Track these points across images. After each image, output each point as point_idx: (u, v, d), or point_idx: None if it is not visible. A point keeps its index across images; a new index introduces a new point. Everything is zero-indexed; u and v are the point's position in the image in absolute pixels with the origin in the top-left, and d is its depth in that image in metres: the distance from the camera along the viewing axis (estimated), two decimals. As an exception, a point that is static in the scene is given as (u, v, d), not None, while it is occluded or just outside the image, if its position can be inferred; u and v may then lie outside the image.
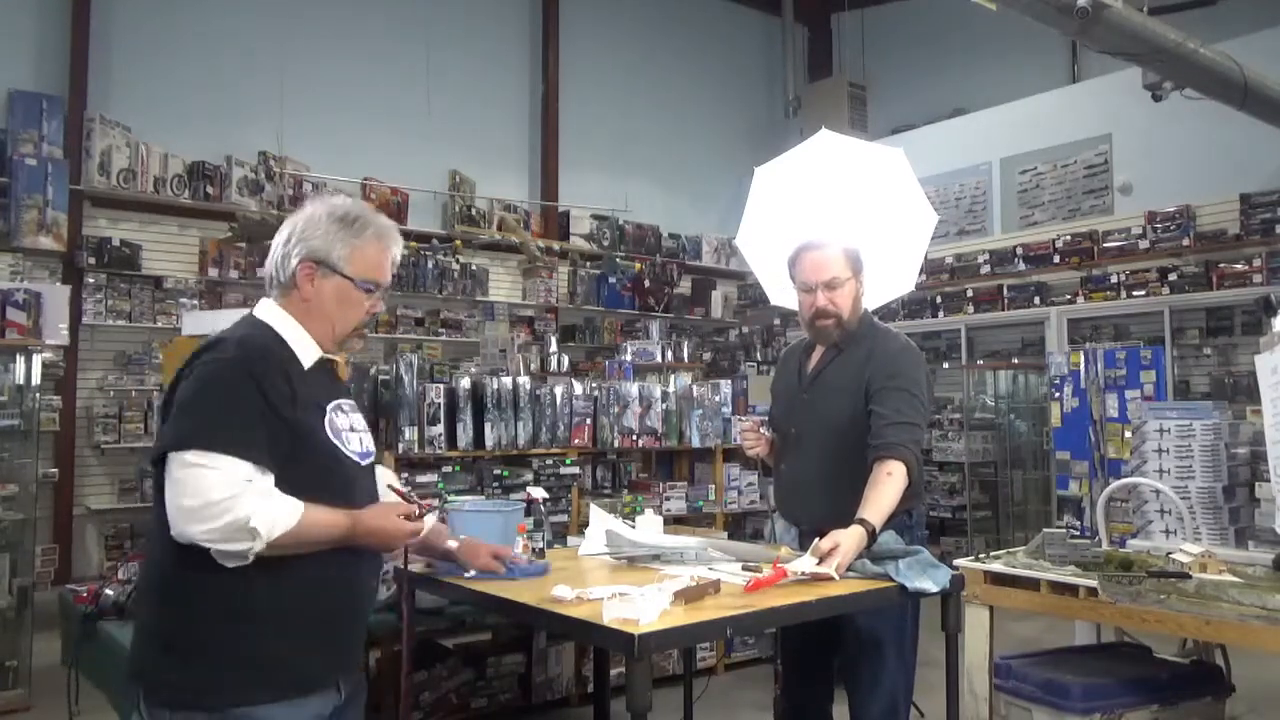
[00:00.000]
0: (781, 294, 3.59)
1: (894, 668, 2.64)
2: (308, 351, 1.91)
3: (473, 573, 2.49)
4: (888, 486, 2.46)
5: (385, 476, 2.16)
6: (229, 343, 1.82)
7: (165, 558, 1.76)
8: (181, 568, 1.74)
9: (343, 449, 1.88)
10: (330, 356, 1.98)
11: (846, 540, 2.32)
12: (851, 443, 2.61)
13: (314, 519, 1.77)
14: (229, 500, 1.66)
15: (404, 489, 2.12)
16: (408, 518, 1.92)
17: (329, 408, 1.89)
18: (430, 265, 8.09)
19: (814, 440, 2.76)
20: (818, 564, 2.30)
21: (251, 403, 1.75)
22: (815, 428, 2.77)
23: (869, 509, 2.41)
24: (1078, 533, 4.46)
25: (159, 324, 6.81)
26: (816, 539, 2.38)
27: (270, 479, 1.76)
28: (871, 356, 2.72)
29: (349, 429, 1.93)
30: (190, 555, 1.71)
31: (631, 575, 2.50)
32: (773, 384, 3.10)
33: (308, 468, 1.81)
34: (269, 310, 1.92)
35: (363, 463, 1.95)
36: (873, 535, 2.38)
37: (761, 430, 2.89)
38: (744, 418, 2.90)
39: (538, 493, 2.91)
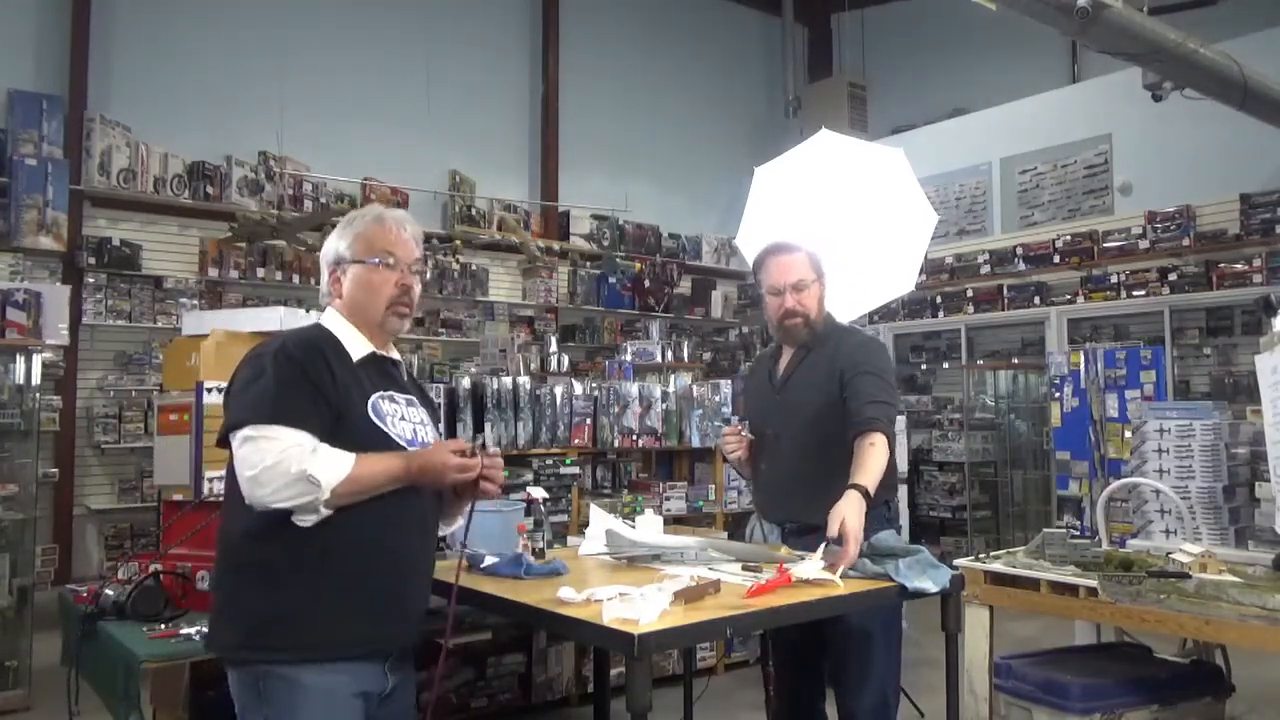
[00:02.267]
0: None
1: (882, 661, 2.67)
2: (357, 347, 2.06)
3: (488, 562, 2.55)
4: (874, 454, 2.53)
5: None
6: (278, 337, 2.05)
7: (226, 526, 1.98)
8: (231, 534, 1.96)
9: (387, 431, 2.00)
10: (384, 354, 2.11)
11: (850, 512, 2.35)
12: (828, 438, 2.68)
13: (368, 462, 1.91)
14: (283, 461, 1.83)
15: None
16: (462, 455, 1.98)
17: (375, 395, 2.02)
18: (430, 265, 8.09)
19: (794, 440, 2.80)
20: (824, 567, 2.30)
21: (297, 380, 1.92)
22: (792, 427, 2.81)
23: (859, 474, 2.46)
24: (1078, 533, 4.46)
25: (159, 324, 6.81)
26: (825, 542, 2.37)
27: (325, 448, 1.91)
28: (839, 351, 2.80)
29: (399, 417, 2.05)
30: (238, 521, 1.92)
31: (631, 575, 2.50)
32: (744, 391, 3.13)
33: (349, 445, 1.92)
34: (325, 315, 2.13)
35: (411, 449, 2.03)
36: (867, 496, 2.42)
37: (742, 433, 2.90)
38: (727, 423, 2.92)
39: (538, 493, 2.91)
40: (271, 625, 1.88)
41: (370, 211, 2.15)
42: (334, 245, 2.12)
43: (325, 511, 1.86)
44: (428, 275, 7.50)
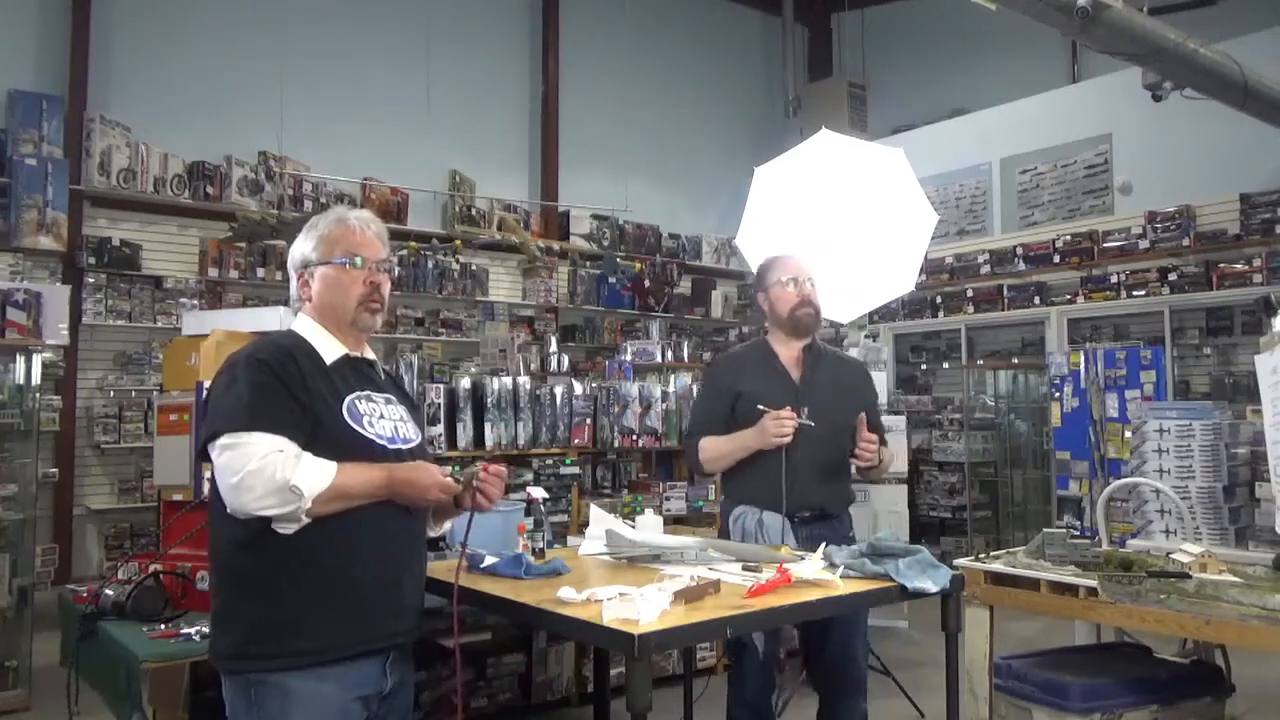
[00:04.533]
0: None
1: (864, 623, 3.10)
2: (330, 350, 2.07)
3: (488, 562, 2.56)
4: (889, 456, 3.13)
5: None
6: (249, 345, 2.05)
7: (214, 538, 1.98)
8: (219, 545, 1.95)
9: (363, 432, 1.99)
10: (358, 355, 2.12)
11: (885, 450, 2.99)
12: (839, 441, 2.96)
13: (351, 472, 1.91)
14: (266, 467, 1.83)
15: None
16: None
17: (350, 397, 2.02)
18: (430, 265, 8.09)
19: (826, 435, 2.91)
20: (825, 567, 2.32)
21: (270, 386, 1.92)
22: (824, 424, 2.90)
23: (882, 452, 3.04)
24: (1078, 533, 4.46)
25: (159, 324, 6.81)
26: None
27: (298, 450, 1.90)
28: (855, 373, 3.22)
29: (378, 416, 2.05)
30: (224, 531, 1.92)
31: (631, 575, 2.50)
32: (738, 382, 3.06)
33: (327, 449, 1.93)
34: (296, 321, 2.14)
35: (391, 446, 2.04)
36: (879, 462, 3.00)
37: (801, 421, 2.88)
38: (773, 412, 2.88)
39: (538, 493, 2.91)
40: (262, 633, 1.89)
41: (333, 213, 2.16)
42: (299, 249, 2.13)
43: (305, 520, 1.86)
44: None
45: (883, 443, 3.13)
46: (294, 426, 1.90)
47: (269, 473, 1.82)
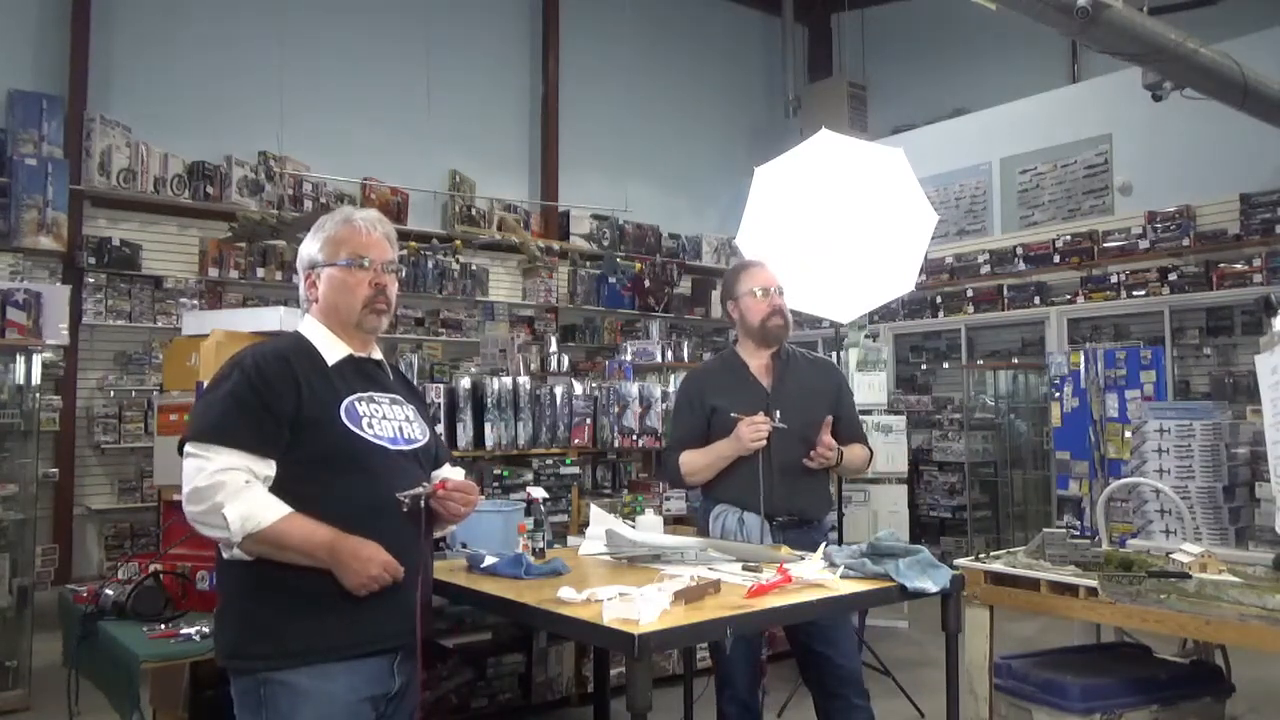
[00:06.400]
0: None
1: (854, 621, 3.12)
2: (333, 351, 2.07)
3: (488, 562, 2.58)
4: (862, 454, 3.13)
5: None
6: (250, 347, 2.07)
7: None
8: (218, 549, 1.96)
9: (361, 433, 1.99)
10: (364, 356, 2.12)
11: (853, 449, 3.00)
12: (811, 443, 2.93)
13: (293, 526, 1.87)
14: (211, 487, 1.84)
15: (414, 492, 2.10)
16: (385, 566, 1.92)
17: (350, 398, 2.01)
18: (430, 265, 8.09)
19: (800, 440, 2.92)
20: (825, 567, 2.32)
21: (246, 400, 1.91)
22: (799, 427, 2.92)
23: (847, 450, 3.00)
24: (1078, 533, 4.46)
25: (159, 324, 6.81)
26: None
27: (268, 464, 1.91)
28: (825, 373, 3.22)
29: (380, 417, 2.05)
30: None
31: (631, 575, 2.50)
32: (708, 388, 3.11)
33: (316, 450, 1.94)
34: (303, 322, 2.14)
35: (393, 447, 2.03)
36: (840, 459, 2.96)
37: (775, 424, 2.90)
38: (747, 418, 2.90)
39: (538, 493, 2.92)
40: (266, 630, 1.89)
41: (340, 214, 2.15)
42: (307, 250, 2.13)
43: (239, 553, 1.86)
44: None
45: (858, 436, 3.14)
46: (260, 442, 1.90)
47: (212, 493, 1.83)
